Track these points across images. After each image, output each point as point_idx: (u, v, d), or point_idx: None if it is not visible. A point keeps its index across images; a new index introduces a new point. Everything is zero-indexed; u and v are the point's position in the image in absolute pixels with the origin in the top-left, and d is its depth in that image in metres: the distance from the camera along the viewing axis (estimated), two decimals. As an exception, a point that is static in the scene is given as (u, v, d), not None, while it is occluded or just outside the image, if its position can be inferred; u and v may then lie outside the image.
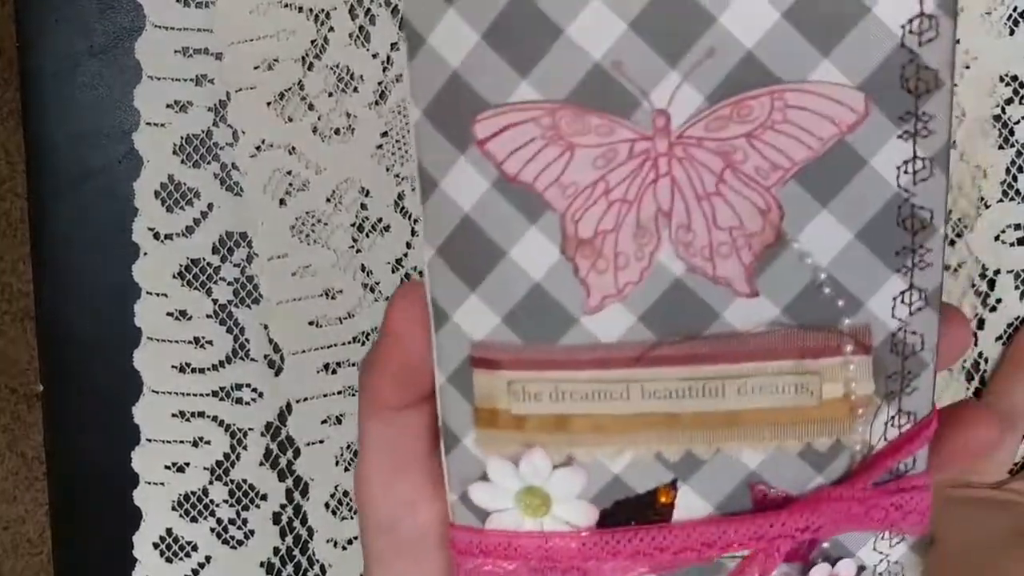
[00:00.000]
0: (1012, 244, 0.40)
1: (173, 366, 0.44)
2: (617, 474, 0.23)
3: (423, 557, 0.24)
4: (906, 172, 0.21)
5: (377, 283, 0.43)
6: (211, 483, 0.44)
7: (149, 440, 0.44)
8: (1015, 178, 0.40)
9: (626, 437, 0.22)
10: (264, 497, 0.44)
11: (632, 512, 0.23)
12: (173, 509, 0.44)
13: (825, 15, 0.20)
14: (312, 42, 0.42)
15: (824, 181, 0.21)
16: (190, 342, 0.44)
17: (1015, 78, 0.39)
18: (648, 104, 0.21)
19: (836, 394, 0.22)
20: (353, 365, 0.43)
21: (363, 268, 0.43)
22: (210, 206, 0.43)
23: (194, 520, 0.44)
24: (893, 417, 0.22)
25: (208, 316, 0.44)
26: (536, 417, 0.23)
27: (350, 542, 0.44)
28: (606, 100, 0.21)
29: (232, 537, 0.44)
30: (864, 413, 0.22)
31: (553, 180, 0.22)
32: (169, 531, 0.44)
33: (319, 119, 0.43)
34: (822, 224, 0.21)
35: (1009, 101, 0.40)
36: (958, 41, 0.34)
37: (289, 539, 0.44)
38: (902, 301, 0.22)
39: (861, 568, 0.24)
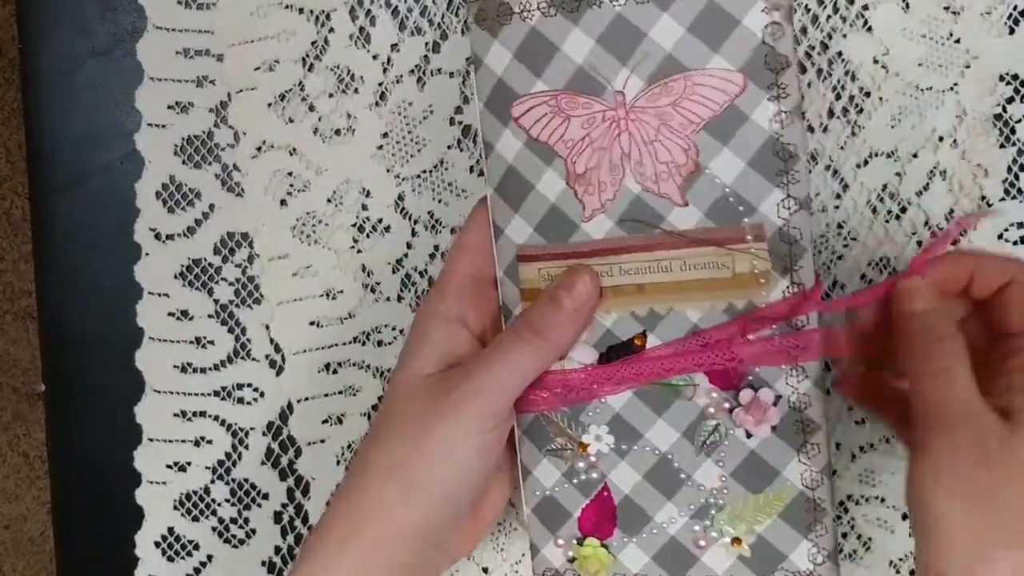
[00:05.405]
0: (1015, 243, 0.40)
1: (175, 366, 0.44)
2: (608, 327, 0.35)
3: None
4: (775, 121, 0.32)
5: (377, 283, 0.43)
6: (212, 482, 0.44)
7: (151, 439, 0.44)
8: (1017, 177, 0.40)
9: (611, 302, 0.35)
10: (265, 496, 0.44)
11: (619, 353, 0.35)
12: (175, 508, 0.44)
13: (712, 27, 0.32)
14: (312, 43, 0.43)
15: (724, 129, 0.33)
16: (191, 342, 0.44)
17: (1015, 77, 0.39)
18: (611, 88, 0.34)
19: (745, 269, 0.34)
20: (354, 365, 0.43)
21: (363, 268, 0.43)
22: (211, 207, 0.44)
23: (196, 519, 0.44)
24: (788, 287, 0.33)
25: (209, 316, 0.44)
26: None
27: (351, 541, 0.44)
28: (586, 87, 0.34)
29: (233, 536, 0.44)
30: (765, 283, 0.33)
31: (559, 138, 0.34)
32: (171, 530, 0.44)
33: (319, 120, 0.43)
34: (725, 157, 0.33)
35: (1010, 100, 0.40)
36: (957, 42, 0.40)
37: (290, 538, 0.44)
38: (783, 206, 0.33)
39: (778, 397, 0.34)
